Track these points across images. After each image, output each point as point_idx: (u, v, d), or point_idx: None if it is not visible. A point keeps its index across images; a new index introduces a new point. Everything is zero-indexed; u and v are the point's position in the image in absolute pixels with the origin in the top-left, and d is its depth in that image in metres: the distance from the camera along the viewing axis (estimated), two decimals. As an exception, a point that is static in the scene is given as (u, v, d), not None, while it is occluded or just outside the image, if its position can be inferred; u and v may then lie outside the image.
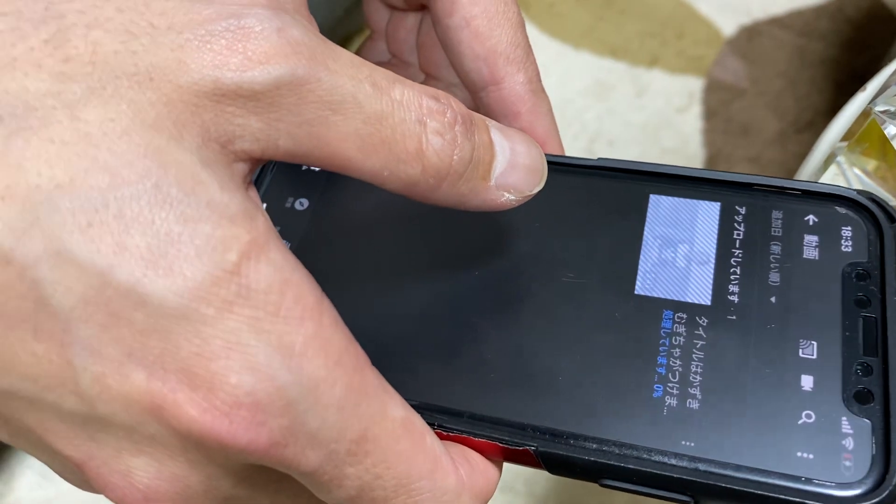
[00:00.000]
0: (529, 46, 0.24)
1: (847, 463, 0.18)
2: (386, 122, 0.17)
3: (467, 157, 0.18)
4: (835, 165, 0.29)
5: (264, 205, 0.24)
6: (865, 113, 0.29)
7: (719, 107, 0.71)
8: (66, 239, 0.14)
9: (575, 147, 0.70)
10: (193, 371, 0.15)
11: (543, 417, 0.20)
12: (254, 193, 0.17)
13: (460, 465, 0.18)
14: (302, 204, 0.24)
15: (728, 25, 0.74)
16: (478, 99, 0.24)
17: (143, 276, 0.14)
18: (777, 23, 0.75)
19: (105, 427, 0.15)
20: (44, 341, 0.14)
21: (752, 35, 0.74)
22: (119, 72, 0.15)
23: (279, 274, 0.15)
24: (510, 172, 0.19)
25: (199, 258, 0.15)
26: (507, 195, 0.20)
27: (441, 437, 0.19)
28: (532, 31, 0.76)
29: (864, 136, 0.28)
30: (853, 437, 0.18)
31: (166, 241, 0.15)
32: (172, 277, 0.15)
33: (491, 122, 0.19)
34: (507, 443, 0.19)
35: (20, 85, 0.14)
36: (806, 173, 0.30)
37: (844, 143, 0.30)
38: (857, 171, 0.29)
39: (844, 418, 0.19)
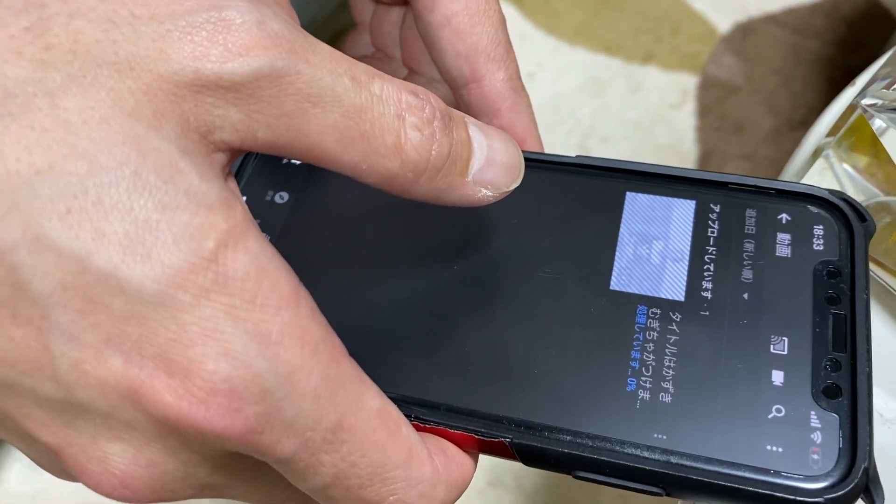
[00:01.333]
0: (510, 44, 0.24)
1: (815, 456, 0.18)
2: (365, 116, 0.17)
3: (445, 153, 0.18)
4: (822, 160, 0.29)
5: (244, 197, 0.24)
6: (852, 107, 0.29)
7: (713, 104, 0.71)
8: (44, 225, 0.14)
9: (569, 143, 0.70)
10: (170, 357, 0.15)
11: (518, 410, 0.20)
12: (233, 184, 0.17)
13: (436, 456, 0.18)
14: (282, 197, 0.24)
15: (723, 22, 0.74)
16: (459, 96, 0.24)
17: (120, 262, 0.14)
18: (772, 20, 0.75)
19: (82, 413, 0.15)
20: (22, 326, 0.14)
21: (747, 32, 0.74)
22: (100, 60, 0.15)
23: (256, 262, 0.15)
24: (487, 169, 0.19)
25: (177, 245, 0.15)
26: (484, 191, 0.19)
27: (418, 429, 0.19)
28: (527, 27, 0.76)
29: (851, 130, 0.28)
30: (821, 430, 0.19)
31: (144, 228, 0.15)
32: (150, 264, 0.14)
33: (469, 119, 0.19)
34: (483, 434, 0.19)
35: (0, 71, 0.14)
36: (793, 168, 0.30)
37: (832, 138, 0.30)
38: (846, 166, 0.29)
39: (813, 413, 0.19)
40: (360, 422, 0.16)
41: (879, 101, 0.27)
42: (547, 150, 0.25)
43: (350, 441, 0.16)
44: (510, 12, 0.75)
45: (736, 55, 0.74)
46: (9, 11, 0.15)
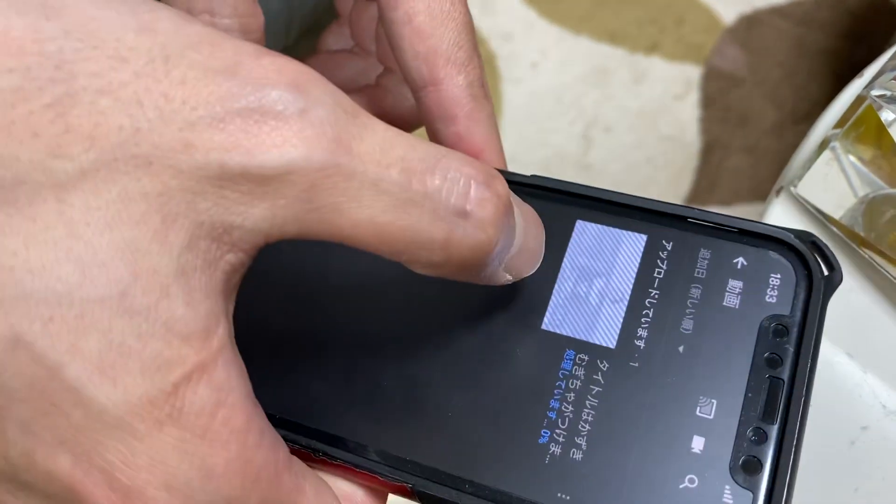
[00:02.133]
0: (475, 49, 0.23)
1: None
2: (412, 211, 0.16)
3: (500, 247, 0.17)
4: (829, 151, 0.29)
5: None
6: (861, 98, 0.29)
7: (717, 95, 0.70)
8: (25, 328, 0.14)
9: (571, 133, 0.70)
10: (115, 475, 0.15)
11: (426, 454, 0.19)
12: (235, 288, 0.17)
13: None
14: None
15: (728, 13, 0.73)
16: (418, 98, 0.23)
17: (88, 380, 0.15)
18: (777, 12, 0.74)
19: (25, 488, 0.16)
20: None
21: (751, 24, 0.73)
22: (118, 153, 0.14)
23: (215, 396, 0.16)
24: (518, 255, 0.18)
25: (143, 375, 0.15)
26: (507, 276, 0.18)
27: (325, 465, 0.19)
28: (531, 16, 0.75)
29: (859, 121, 0.28)
30: None
31: (117, 353, 0.15)
32: (115, 389, 0.15)
33: (513, 198, 0.18)
34: (386, 477, 0.19)
35: (12, 153, 0.14)
36: (800, 159, 0.30)
37: (839, 130, 0.30)
38: (852, 158, 0.28)
39: (727, 487, 0.18)
40: None
41: (888, 93, 0.27)
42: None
43: None
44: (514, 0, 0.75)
45: (740, 46, 0.74)
46: (34, 83, 0.14)
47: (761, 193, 0.69)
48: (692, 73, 0.74)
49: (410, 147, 0.16)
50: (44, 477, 0.15)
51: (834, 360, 0.25)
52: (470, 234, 0.16)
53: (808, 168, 0.28)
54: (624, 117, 0.70)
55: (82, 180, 0.14)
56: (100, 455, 0.15)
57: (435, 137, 0.23)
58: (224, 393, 0.16)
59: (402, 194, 0.15)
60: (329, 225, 0.15)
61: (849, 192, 0.28)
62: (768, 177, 0.70)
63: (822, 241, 0.20)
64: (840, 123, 0.29)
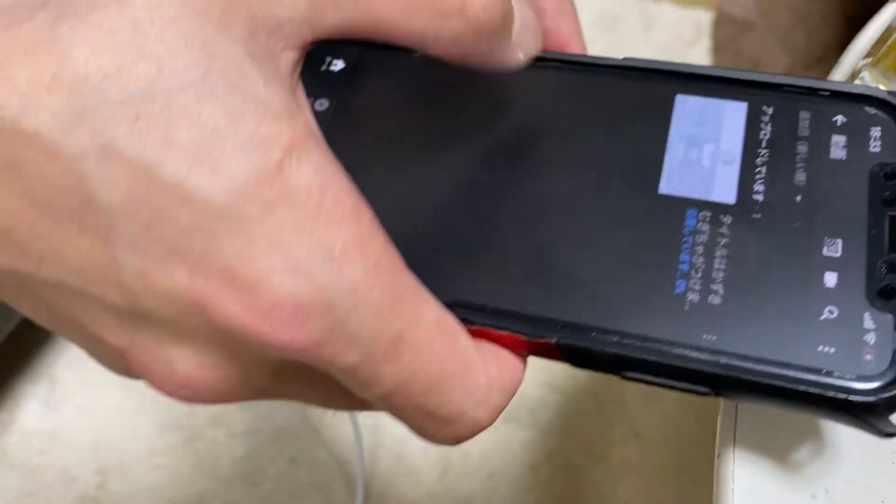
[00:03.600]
0: None
1: (868, 357, 0.18)
2: None
3: (506, 11, 0.18)
4: (859, 81, 0.28)
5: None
6: (891, 29, 0.28)
7: (728, 41, 0.70)
8: (112, 132, 0.14)
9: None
10: (236, 271, 0.14)
11: (565, 311, 0.20)
12: (300, 89, 0.17)
13: (490, 363, 0.18)
14: (322, 104, 0.23)
15: (739, -43, 0.72)
16: None
17: (188, 172, 0.14)
18: (789, -45, 0.73)
19: (148, 319, 0.15)
20: (89, 236, 0.14)
21: (763, -33, 0.72)
22: None
23: (319, 175, 0.15)
24: (524, 31, 0.20)
25: (244, 155, 0.14)
26: (519, 54, 0.20)
27: (468, 332, 0.19)
28: (538, -38, 0.74)
29: (890, 51, 0.27)
30: (875, 332, 0.18)
31: (212, 137, 0.14)
32: (218, 175, 0.14)
33: None
34: (529, 335, 0.19)
35: None
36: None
37: (868, 60, 0.29)
38: (881, 87, 0.28)
39: (867, 314, 0.19)
40: (420, 333, 0.16)
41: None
42: None
43: (410, 352, 0.16)
44: (522, -54, 0.74)
45: (751, -9, 0.73)
46: None
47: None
48: (703, 18, 0.73)
49: None
50: (165, 298, 0.15)
51: None
52: None
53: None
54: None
55: None
56: (216, 254, 0.14)
57: None
58: (327, 174, 0.15)
59: None
60: (366, 8, 0.16)
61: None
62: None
63: None
64: (870, 53, 0.29)
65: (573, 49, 0.24)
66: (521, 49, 0.20)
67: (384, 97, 0.23)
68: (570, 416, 0.60)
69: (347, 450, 0.60)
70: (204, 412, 0.60)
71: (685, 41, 0.72)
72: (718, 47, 0.72)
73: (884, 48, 0.30)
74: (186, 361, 0.16)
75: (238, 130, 0.14)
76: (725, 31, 0.71)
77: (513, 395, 0.19)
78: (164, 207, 0.14)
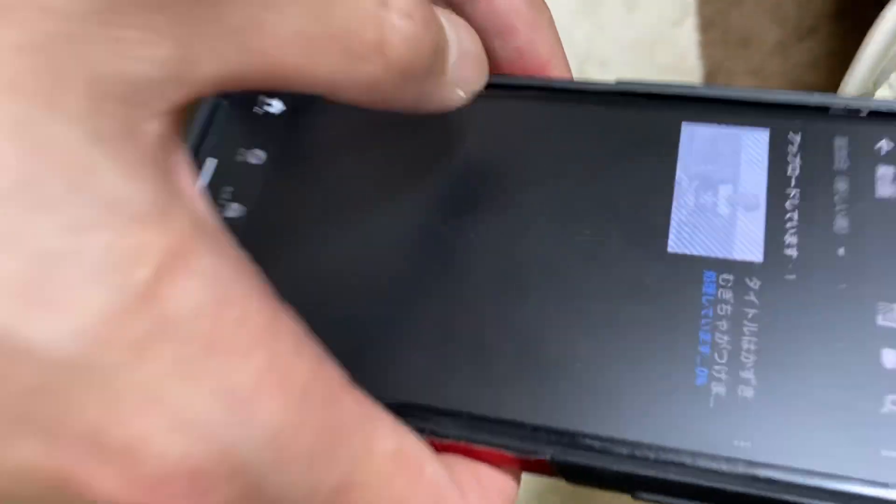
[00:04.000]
0: None
1: None
2: (336, 10, 0.13)
3: (436, 43, 0.15)
4: (883, 88, 0.25)
5: (214, 161, 0.20)
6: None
7: (716, 17, 0.67)
8: None
9: (565, 70, 0.67)
10: (105, 435, 0.11)
11: (559, 416, 0.16)
12: (181, 166, 0.13)
13: (470, 489, 0.15)
14: (258, 157, 0.20)
15: (722, -72, 0.69)
16: (461, 13, 0.20)
17: (19, 318, 0.10)
18: (774, -78, 0.70)
19: (7, 499, 0.12)
20: None
21: (747, -63, 0.69)
22: None
23: (212, 289, 0.12)
24: (462, 63, 0.16)
25: (97, 283, 0.11)
26: (459, 92, 0.16)
27: (435, 448, 0.16)
28: (513, -52, 0.71)
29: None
30: None
31: (49, 264, 0.10)
32: (61, 315, 0.10)
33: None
34: (517, 450, 0.16)
35: None
36: (849, 90, 0.26)
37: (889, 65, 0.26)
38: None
39: None
40: (373, 475, 0.13)
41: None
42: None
43: (362, 499, 0.13)
44: (494, -67, 0.71)
45: (737, -37, 0.70)
46: None
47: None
48: (688, -5, 0.70)
49: None
50: (20, 478, 0.11)
51: None
52: (401, 26, 0.14)
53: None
54: (619, 49, 0.67)
55: None
56: (76, 416, 0.11)
57: (490, 56, 0.19)
58: (224, 287, 0.12)
59: None
60: (252, 51, 0.12)
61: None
62: (776, 100, 0.66)
63: None
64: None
65: (554, 71, 0.21)
66: (459, 86, 0.16)
67: (333, 145, 0.20)
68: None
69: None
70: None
71: (671, 21, 0.69)
72: (706, 24, 0.69)
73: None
74: None
75: (84, 249, 0.11)
76: (712, 7, 0.68)
77: None
78: None
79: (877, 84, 0.25)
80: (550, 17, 0.21)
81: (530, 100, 0.20)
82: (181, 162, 0.13)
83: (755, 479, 0.15)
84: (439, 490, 0.14)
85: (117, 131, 0.11)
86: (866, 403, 0.15)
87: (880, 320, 0.16)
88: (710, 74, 0.66)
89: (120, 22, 0.11)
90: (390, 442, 0.14)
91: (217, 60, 0.12)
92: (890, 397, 0.15)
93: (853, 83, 0.26)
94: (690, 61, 0.66)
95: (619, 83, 0.19)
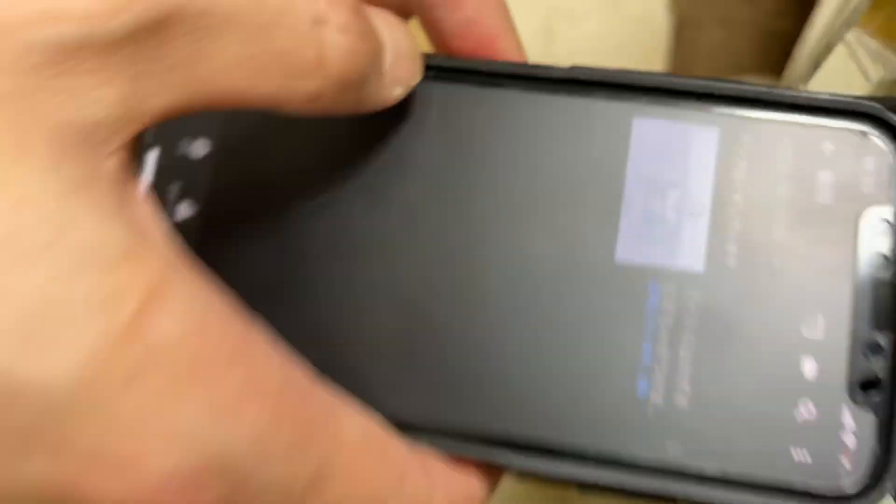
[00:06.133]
0: None
1: (846, 464, 0.16)
2: (276, 33, 0.14)
3: (374, 49, 0.16)
4: (843, 45, 0.25)
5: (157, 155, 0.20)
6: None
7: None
8: None
9: (531, 26, 0.65)
10: (106, 450, 0.12)
11: (512, 424, 0.17)
12: (140, 198, 0.14)
13: (432, 466, 0.17)
14: (203, 146, 0.19)
15: None
16: None
17: (13, 365, 0.12)
18: None
19: None
20: None
21: None
22: None
23: (191, 319, 0.13)
24: (397, 62, 0.17)
25: (86, 322, 0.12)
26: (396, 89, 0.17)
27: None
28: None
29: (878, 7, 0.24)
30: (855, 432, 0.16)
31: (40, 308, 0.12)
32: (55, 355, 0.12)
33: (365, 6, 0.16)
34: (477, 455, 0.17)
35: None
36: (803, 56, 0.26)
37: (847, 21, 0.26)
38: (869, 41, 0.25)
39: (846, 408, 0.16)
40: (344, 457, 0.15)
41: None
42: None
43: (335, 481, 0.15)
44: None
45: None
46: None
47: (742, 68, 0.66)
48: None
49: None
50: (32, 493, 0.13)
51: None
52: (339, 42, 0.15)
53: (817, 67, 0.24)
54: (586, 2, 0.66)
55: None
56: (78, 436, 0.12)
57: (435, 27, 0.20)
58: (199, 314, 0.13)
59: (258, 18, 0.14)
60: (199, 82, 0.14)
61: (865, 86, 0.25)
62: (747, 49, 0.66)
63: None
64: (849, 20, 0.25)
65: (504, 49, 0.20)
66: (396, 84, 0.17)
67: (278, 132, 0.19)
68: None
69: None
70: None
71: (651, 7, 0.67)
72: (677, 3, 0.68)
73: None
74: None
75: (71, 294, 0.12)
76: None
77: (472, 500, 0.17)
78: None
79: (830, 46, 0.25)
80: None
81: (475, 84, 0.19)
82: (139, 191, 0.14)
83: (684, 484, 0.16)
84: (403, 464, 0.16)
85: (83, 177, 0.12)
86: (784, 409, 0.16)
87: (804, 331, 0.17)
88: (679, 25, 0.65)
89: (73, 69, 0.12)
90: (357, 428, 0.15)
91: (165, 92, 0.13)
92: (803, 403, 0.16)
93: (808, 47, 0.25)
94: (659, 14, 0.66)
95: (572, 68, 0.18)
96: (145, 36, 0.12)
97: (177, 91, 0.13)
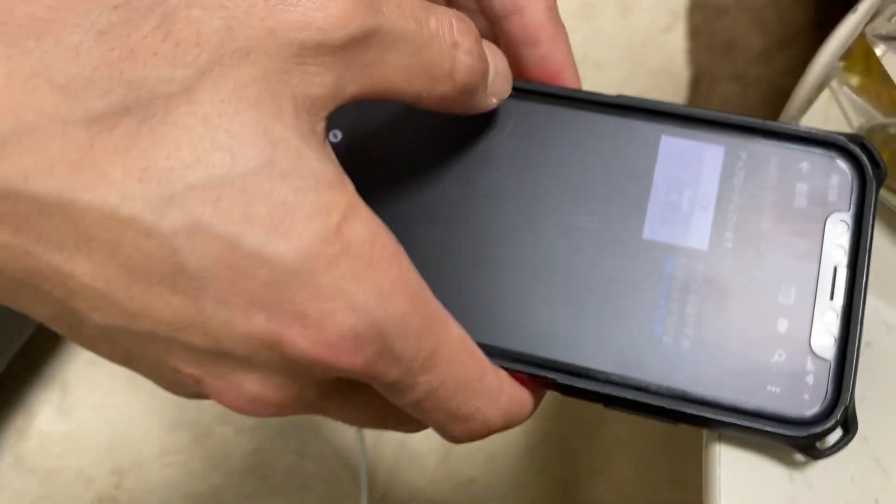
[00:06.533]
0: None
1: (807, 396, 0.21)
2: (426, 51, 0.19)
3: (485, 70, 0.21)
4: (828, 90, 0.30)
5: None
6: (861, 36, 0.30)
7: (703, 25, 0.71)
8: (200, 213, 0.16)
9: (562, 70, 0.71)
10: (306, 313, 0.17)
11: (561, 352, 0.22)
12: (332, 153, 0.19)
13: (499, 372, 0.22)
14: (336, 136, 0.25)
15: (711, -58, 0.74)
16: (498, 27, 0.25)
17: (266, 241, 0.17)
18: (759, -62, 0.75)
19: (226, 355, 0.18)
20: (179, 295, 0.17)
21: (735, -49, 0.74)
22: (222, 51, 0.17)
23: (369, 230, 0.18)
24: (497, 80, 0.22)
25: (310, 223, 0.17)
26: (493, 99, 0.22)
27: None
28: (516, -47, 0.75)
29: (859, 58, 0.29)
30: (814, 374, 0.22)
31: (283, 210, 0.17)
32: (290, 240, 0.17)
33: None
34: (532, 375, 0.22)
35: (140, 74, 0.16)
36: (798, 98, 0.31)
37: (840, 64, 0.31)
38: (846, 89, 0.30)
39: (809, 358, 0.22)
40: (448, 348, 0.19)
41: (885, 32, 0.28)
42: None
43: (441, 364, 0.19)
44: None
45: (724, -25, 0.74)
46: (137, 12, 0.16)
47: (751, 121, 0.70)
48: (678, 4, 0.75)
49: (411, 1, 0.19)
50: (244, 340, 0.17)
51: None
52: (464, 61, 0.20)
53: (807, 108, 0.30)
54: (613, 52, 0.71)
55: (202, 81, 0.17)
56: (290, 302, 0.17)
57: (518, 62, 0.25)
58: (374, 227, 0.18)
59: (418, 38, 0.19)
60: (377, 79, 0.19)
61: (847, 128, 0.30)
62: (757, 103, 0.71)
63: (868, 142, 0.23)
64: (843, 57, 0.30)
65: (566, 79, 0.25)
66: (494, 96, 0.22)
67: (392, 128, 0.25)
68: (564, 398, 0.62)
69: (351, 440, 0.62)
70: (211, 411, 0.62)
71: (661, 27, 0.73)
72: (694, 32, 0.73)
73: (850, 56, 0.31)
74: (255, 384, 0.19)
75: (303, 202, 0.17)
76: (700, 15, 0.73)
77: (520, 407, 0.22)
78: (246, 269, 0.17)
79: (819, 91, 0.30)
80: (566, 33, 0.25)
81: (545, 103, 0.25)
82: (331, 150, 0.20)
83: (685, 404, 0.22)
84: (483, 364, 0.21)
85: (308, 130, 0.18)
86: (764, 355, 0.22)
87: (780, 298, 0.22)
88: (696, 78, 0.71)
89: (310, 61, 0.17)
90: (458, 331, 0.20)
91: (357, 83, 0.18)
92: (778, 351, 0.22)
93: (802, 92, 0.31)
94: (678, 66, 0.71)
95: (618, 96, 0.24)
96: (353, 44, 0.18)
97: (364, 83, 0.18)
